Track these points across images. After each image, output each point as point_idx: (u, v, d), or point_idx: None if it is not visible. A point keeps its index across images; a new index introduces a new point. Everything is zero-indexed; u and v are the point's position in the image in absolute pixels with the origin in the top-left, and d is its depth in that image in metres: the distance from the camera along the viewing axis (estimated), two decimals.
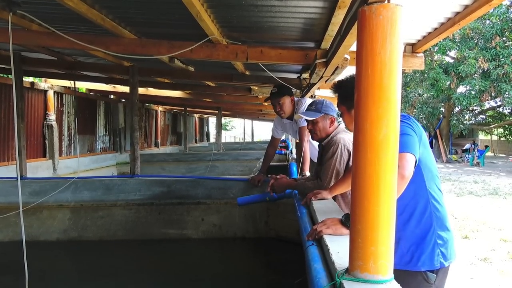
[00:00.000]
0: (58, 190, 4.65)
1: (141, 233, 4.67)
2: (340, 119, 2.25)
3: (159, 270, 3.92)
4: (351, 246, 1.13)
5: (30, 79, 8.79)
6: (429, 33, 3.21)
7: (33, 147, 7.88)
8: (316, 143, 3.17)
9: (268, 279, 3.86)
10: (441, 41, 14.99)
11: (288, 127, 4.07)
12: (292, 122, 3.91)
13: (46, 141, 8.27)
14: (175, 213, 4.72)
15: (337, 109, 2.35)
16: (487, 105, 20.78)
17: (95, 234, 4.69)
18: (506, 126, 23.07)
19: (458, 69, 16.82)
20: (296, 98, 3.86)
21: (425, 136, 1.75)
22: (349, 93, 1.90)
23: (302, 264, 1.70)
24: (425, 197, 1.71)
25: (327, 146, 2.61)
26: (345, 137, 2.56)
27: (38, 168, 7.79)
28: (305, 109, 2.83)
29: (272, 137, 4.27)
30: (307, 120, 2.67)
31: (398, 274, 1.19)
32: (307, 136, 3.34)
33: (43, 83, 8.26)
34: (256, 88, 7.29)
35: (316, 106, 2.62)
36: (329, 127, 2.62)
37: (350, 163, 2.51)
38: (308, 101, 3.61)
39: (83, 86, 9.79)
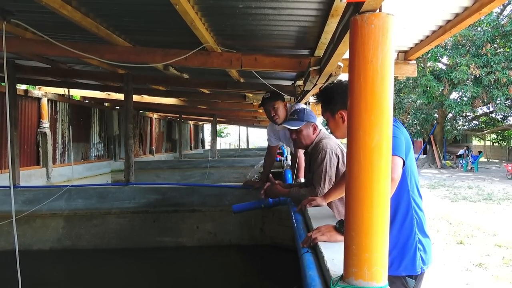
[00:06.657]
0: (51, 199, 4.61)
1: (135, 241, 4.64)
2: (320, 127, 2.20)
3: (154, 278, 3.89)
4: (346, 253, 1.14)
5: (24, 86, 8.75)
6: (421, 40, 3.26)
7: (26, 155, 7.82)
8: None
9: (263, 286, 3.85)
10: (433, 48, 15.14)
11: (281, 134, 4.01)
12: (285, 129, 3.89)
13: (40, 149, 8.21)
14: (170, 221, 4.69)
15: (319, 116, 2.30)
16: (480, 111, 20.97)
17: (89, 242, 4.64)
18: (499, 131, 23.31)
19: (451, 76, 16.99)
20: (289, 104, 3.83)
21: (409, 140, 1.73)
22: (330, 98, 1.90)
23: (297, 271, 1.70)
24: (407, 201, 1.70)
25: (313, 152, 2.63)
26: (330, 142, 2.61)
27: (32, 176, 7.72)
28: (287, 119, 2.85)
29: (269, 146, 4.28)
30: (290, 130, 2.69)
31: None
32: None
33: (37, 91, 8.21)
34: (251, 95, 7.30)
35: (298, 115, 2.67)
36: (313, 134, 2.67)
37: (340, 166, 2.54)
38: (301, 107, 3.55)
39: (77, 93, 9.76)
